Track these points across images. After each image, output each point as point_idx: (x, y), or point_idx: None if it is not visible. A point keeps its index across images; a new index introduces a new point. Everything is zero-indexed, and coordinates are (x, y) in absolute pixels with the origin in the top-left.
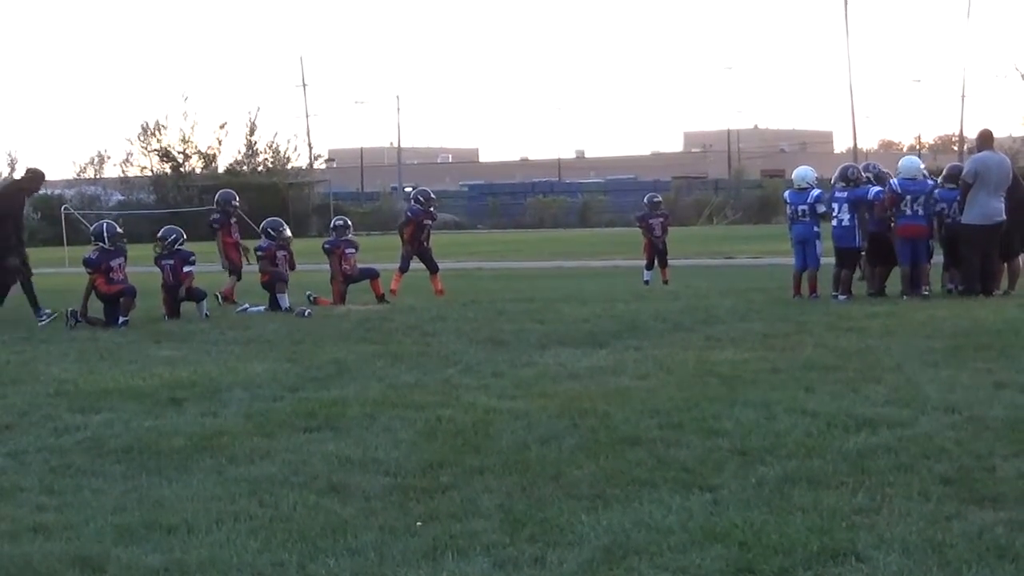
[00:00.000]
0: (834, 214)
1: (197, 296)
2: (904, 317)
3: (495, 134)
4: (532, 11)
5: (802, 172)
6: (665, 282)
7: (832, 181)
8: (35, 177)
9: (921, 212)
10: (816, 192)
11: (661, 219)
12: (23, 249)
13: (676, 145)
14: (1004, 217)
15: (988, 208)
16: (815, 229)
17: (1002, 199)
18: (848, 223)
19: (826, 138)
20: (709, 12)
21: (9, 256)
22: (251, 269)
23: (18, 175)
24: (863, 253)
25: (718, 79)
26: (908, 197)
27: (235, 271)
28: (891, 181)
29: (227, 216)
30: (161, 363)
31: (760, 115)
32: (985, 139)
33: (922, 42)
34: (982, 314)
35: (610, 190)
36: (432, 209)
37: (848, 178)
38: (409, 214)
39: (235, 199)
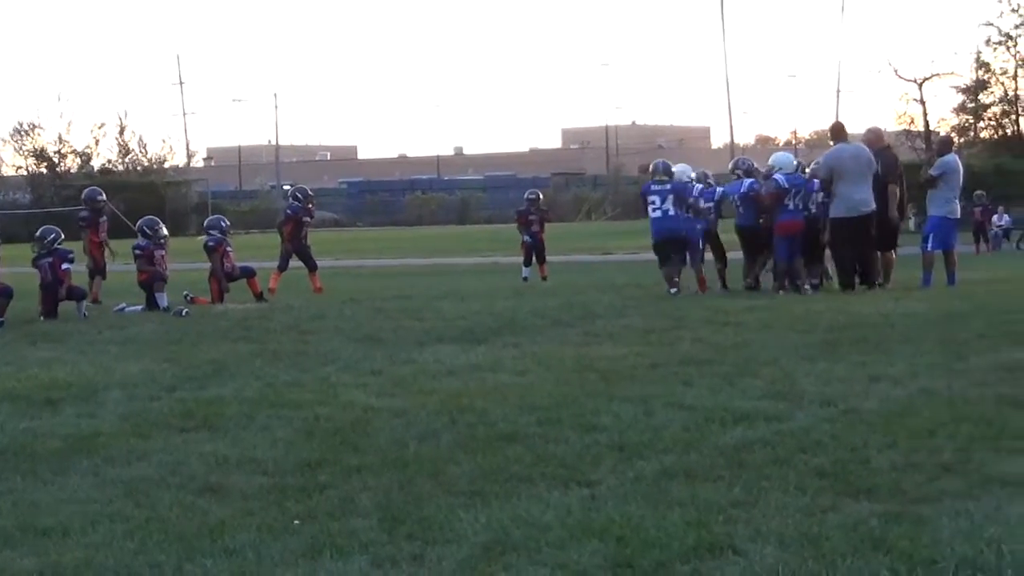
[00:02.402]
0: (657, 205)
1: (77, 295)
2: (781, 311)
3: (374, 131)
4: (409, 8)
5: (789, 156)
6: (544, 278)
7: (731, 169)
8: None
9: (801, 207)
10: (805, 177)
11: (539, 216)
12: None
13: (554, 141)
14: (873, 207)
15: (851, 200)
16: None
17: (868, 189)
18: (675, 214)
19: (703, 133)
20: (586, 8)
21: None
22: (125, 268)
23: None
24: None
25: (595, 75)
26: (792, 191)
27: (98, 271)
28: (776, 176)
29: (95, 214)
30: (37, 364)
31: (638, 111)
32: (837, 131)
33: (797, 38)
34: (858, 308)
35: (489, 187)
36: (310, 207)
37: (739, 168)
38: (288, 211)
39: (101, 196)
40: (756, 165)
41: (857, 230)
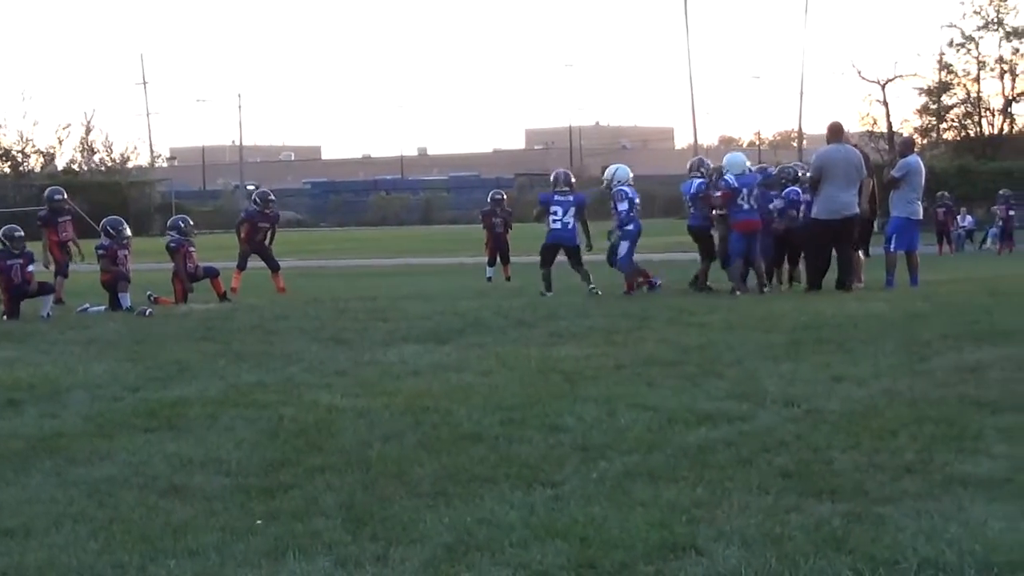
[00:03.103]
0: (558, 216)
1: (46, 290)
2: (745, 312)
3: (337, 132)
4: (373, 8)
5: (741, 157)
6: (508, 279)
7: (689, 169)
8: None
9: (756, 206)
10: (759, 177)
11: (503, 217)
12: None
13: (518, 142)
14: (856, 211)
15: (835, 202)
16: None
17: (854, 192)
18: (572, 226)
19: (667, 134)
20: (550, 9)
21: None
22: (88, 268)
23: None
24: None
25: (559, 76)
26: (744, 191)
27: (59, 271)
28: (725, 178)
29: (54, 213)
30: None
31: (601, 112)
32: (833, 132)
33: (761, 39)
34: (821, 308)
35: (453, 187)
36: (267, 211)
37: (693, 167)
38: (243, 214)
39: (60, 195)
40: (713, 166)
41: (837, 233)
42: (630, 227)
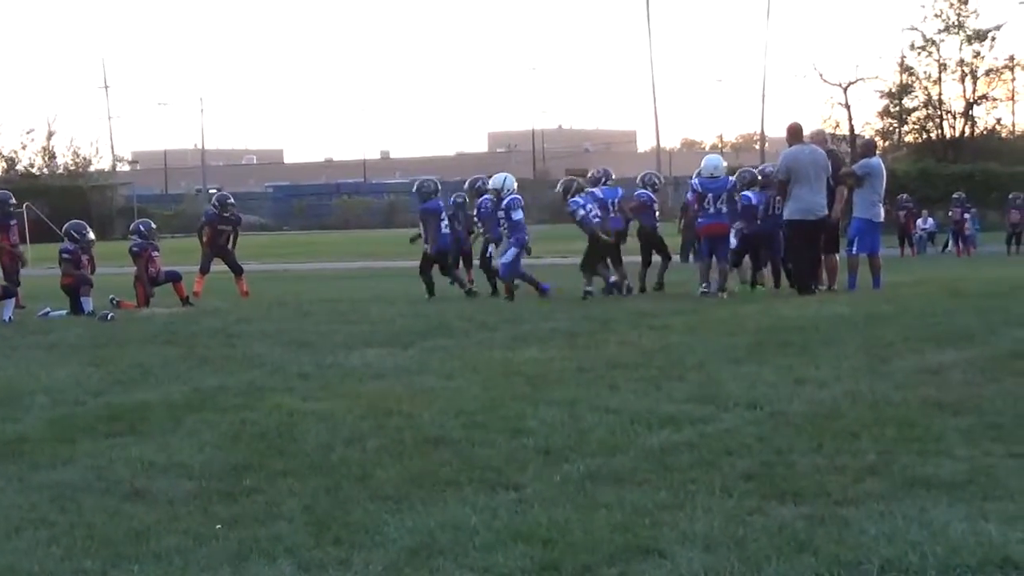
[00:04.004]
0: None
1: (7, 293)
2: (707, 314)
3: (300, 135)
4: (334, 11)
5: (714, 160)
6: (471, 282)
7: (638, 180)
8: None
9: (725, 210)
10: (733, 180)
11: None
12: None
13: (481, 145)
14: (825, 212)
15: (807, 202)
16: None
17: (823, 194)
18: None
19: (630, 137)
20: (512, 13)
21: None
22: (49, 273)
23: None
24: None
25: (522, 79)
26: (710, 195)
27: (8, 278)
28: (693, 180)
29: (5, 218)
30: None
31: (564, 115)
32: (793, 133)
33: (724, 42)
34: (784, 311)
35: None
36: (227, 214)
37: (645, 182)
38: (203, 217)
39: (11, 199)
40: (659, 183)
41: (811, 233)
42: (522, 235)
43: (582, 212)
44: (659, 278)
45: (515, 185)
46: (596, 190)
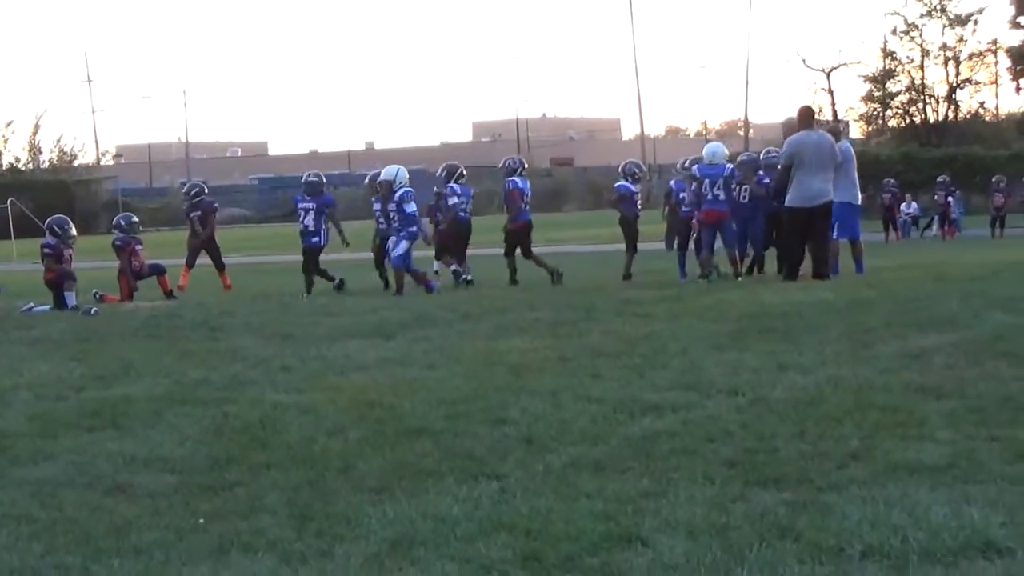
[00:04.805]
0: (300, 218)
1: None
2: (690, 301)
3: (284, 127)
4: (318, 3)
5: (715, 147)
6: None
7: (621, 170)
8: None
9: (722, 196)
10: (730, 167)
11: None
12: None
13: (465, 135)
14: (830, 198)
15: (808, 189)
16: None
17: (827, 180)
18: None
19: (614, 125)
20: (495, 1)
21: None
22: (32, 268)
23: None
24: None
25: (506, 68)
26: (707, 181)
27: None
28: (693, 168)
29: None
30: None
31: (548, 103)
32: (803, 117)
33: (707, 29)
34: (767, 298)
35: None
36: (196, 201)
37: (625, 173)
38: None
39: None
40: (640, 172)
41: (810, 221)
42: (413, 228)
43: (454, 200)
44: (627, 269)
45: (407, 177)
46: (456, 185)
